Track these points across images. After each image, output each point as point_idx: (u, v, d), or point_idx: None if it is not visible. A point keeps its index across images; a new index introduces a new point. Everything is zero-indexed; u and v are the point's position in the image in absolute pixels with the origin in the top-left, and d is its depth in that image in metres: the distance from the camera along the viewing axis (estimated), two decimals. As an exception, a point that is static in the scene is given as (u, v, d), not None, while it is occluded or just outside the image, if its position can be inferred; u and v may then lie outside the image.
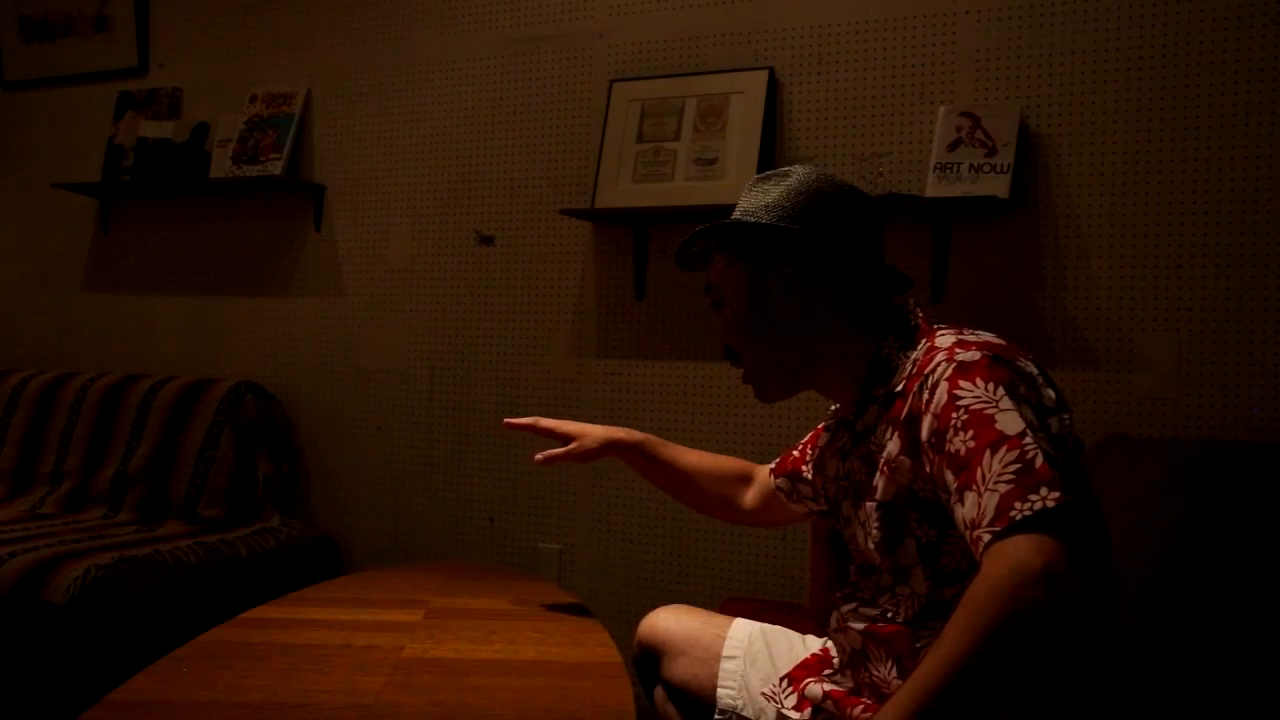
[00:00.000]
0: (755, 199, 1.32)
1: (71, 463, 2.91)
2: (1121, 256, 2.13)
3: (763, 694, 1.44)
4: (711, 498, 1.69)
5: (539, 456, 1.66)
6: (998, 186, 2.14)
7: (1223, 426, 2.04)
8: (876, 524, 1.23)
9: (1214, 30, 2.06)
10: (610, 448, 1.66)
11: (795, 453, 1.58)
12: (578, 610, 1.74)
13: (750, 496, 1.67)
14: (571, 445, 1.65)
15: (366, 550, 2.89)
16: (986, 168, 2.15)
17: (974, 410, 1.09)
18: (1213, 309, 2.06)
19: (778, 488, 1.59)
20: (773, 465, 1.62)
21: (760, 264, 1.30)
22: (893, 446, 1.20)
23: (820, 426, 1.53)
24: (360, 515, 2.91)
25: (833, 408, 1.45)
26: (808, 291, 1.29)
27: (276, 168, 2.90)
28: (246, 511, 2.80)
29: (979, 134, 2.18)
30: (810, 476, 1.51)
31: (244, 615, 1.62)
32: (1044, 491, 1.01)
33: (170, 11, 3.20)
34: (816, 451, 1.47)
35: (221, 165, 2.98)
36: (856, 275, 1.30)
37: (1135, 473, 1.76)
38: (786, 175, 1.32)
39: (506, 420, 1.71)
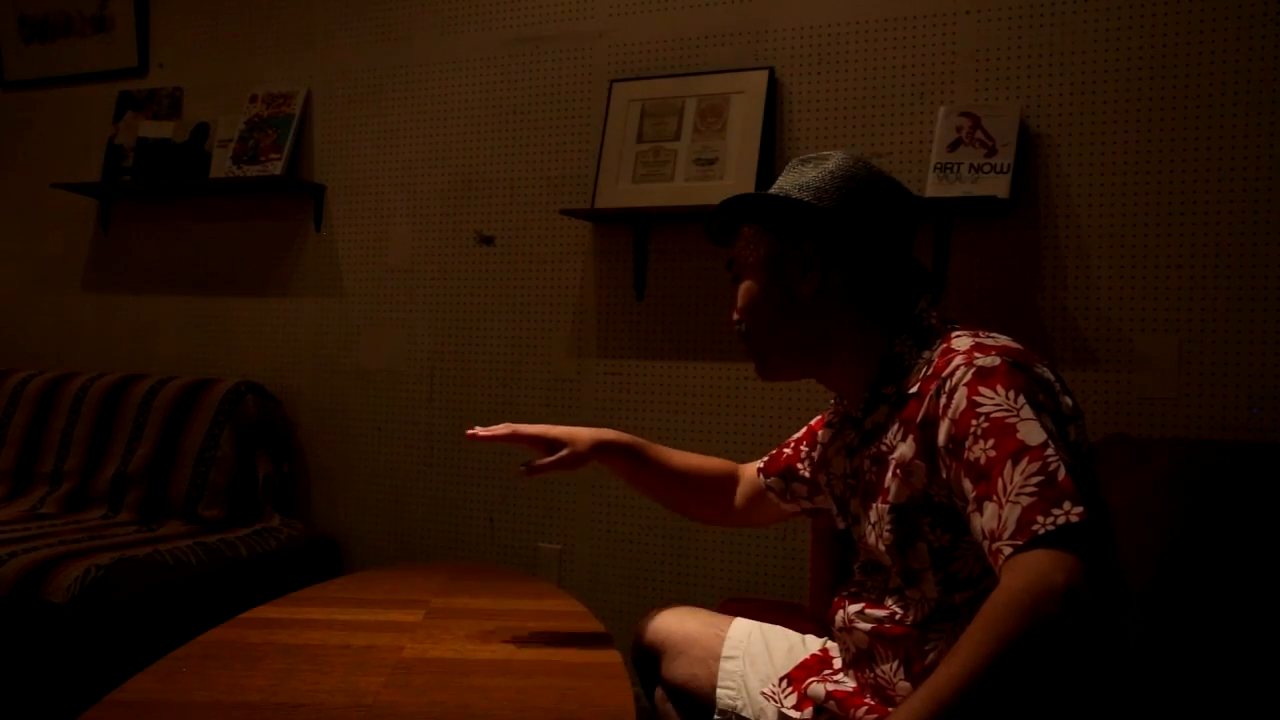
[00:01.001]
0: (791, 178, 1.33)
1: (71, 463, 2.91)
2: (1121, 256, 2.13)
3: (762, 694, 1.44)
4: (699, 499, 1.66)
5: (524, 468, 1.55)
6: (998, 186, 2.13)
7: (1223, 426, 2.04)
8: (889, 526, 1.22)
9: (1214, 30, 2.06)
10: (599, 450, 1.58)
11: (787, 450, 1.56)
12: (578, 610, 1.74)
13: (738, 497, 1.65)
14: (562, 453, 1.56)
15: (366, 550, 2.89)
16: (986, 168, 2.15)
17: (995, 418, 1.08)
18: (1213, 309, 2.06)
19: (768, 487, 1.57)
20: (761, 464, 1.60)
21: (785, 240, 1.31)
22: (906, 449, 1.19)
23: (816, 423, 1.53)
24: (360, 515, 2.91)
25: (833, 403, 1.45)
26: (826, 274, 1.29)
27: (276, 168, 2.90)
28: (246, 512, 2.80)
29: (979, 134, 2.18)
30: (809, 475, 1.50)
31: (244, 615, 1.62)
32: (1067, 506, 1.00)
33: (170, 11, 3.20)
34: (819, 449, 1.46)
35: (221, 165, 2.98)
36: (879, 267, 1.30)
37: (1135, 473, 1.76)
38: (826, 159, 1.32)
39: (473, 432, 1.54)
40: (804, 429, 1.56)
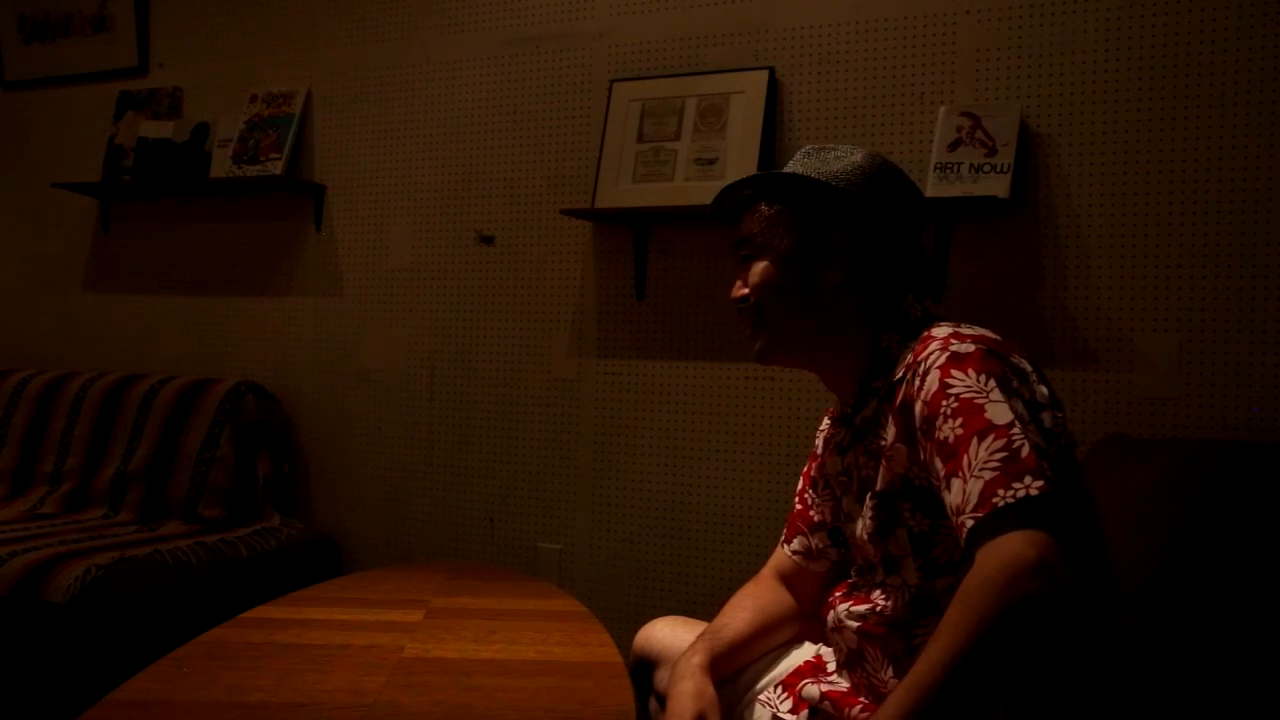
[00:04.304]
0: (815, 165, 1.32)
1: (72, 463, 2.91)
2: (1121, 256, 2.13)
3: (758, 700, 1.44)
4: (784, 628, 1.50)
5: None
6: (998, 186, 2.14)
7: (1223, 426, 2.04)
8: (871, 514, 1.23)
9: (1214, 30, 2.06)
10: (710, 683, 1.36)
11: (798, 506, 1.51)
12: (578, 610, 1.74)
13: (796, 593, 1.51)
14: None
15: (366, 550, 2.89)
16: (987, 168, 2.15)
17: (964, 399, 1.09)
18: (1213, 309, 2.06)
19: (794, 553, 1.49)
20: (783, 539, 1.53)
21: (814, 226, 1.30)
22: (891, 435, 1.21)
23: (808, 469, 1.51)
24: (360, 515, 2.91)
25: (825, 421, 1.45)
26: (851, 266, 1.29)
27: (277, 168, 2.90)
28: (247, 511, 2.80)
29: (979, 134, 2.18)
30: (819, 519, 1.46)
31: (244, 615, 1.62)
32: (1028, 480, 1.01)
33: (170, 11, 3.20)
34: (820, 478, 1.45)
35: (222, 165, 2.98)
36: (894, 262, 1.31)
37: (1135, 473, 1.76)
38: (852, 152, 1.32)
39: None
40: (802, 475, 1.52)
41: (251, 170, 2.93)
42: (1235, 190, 2.04)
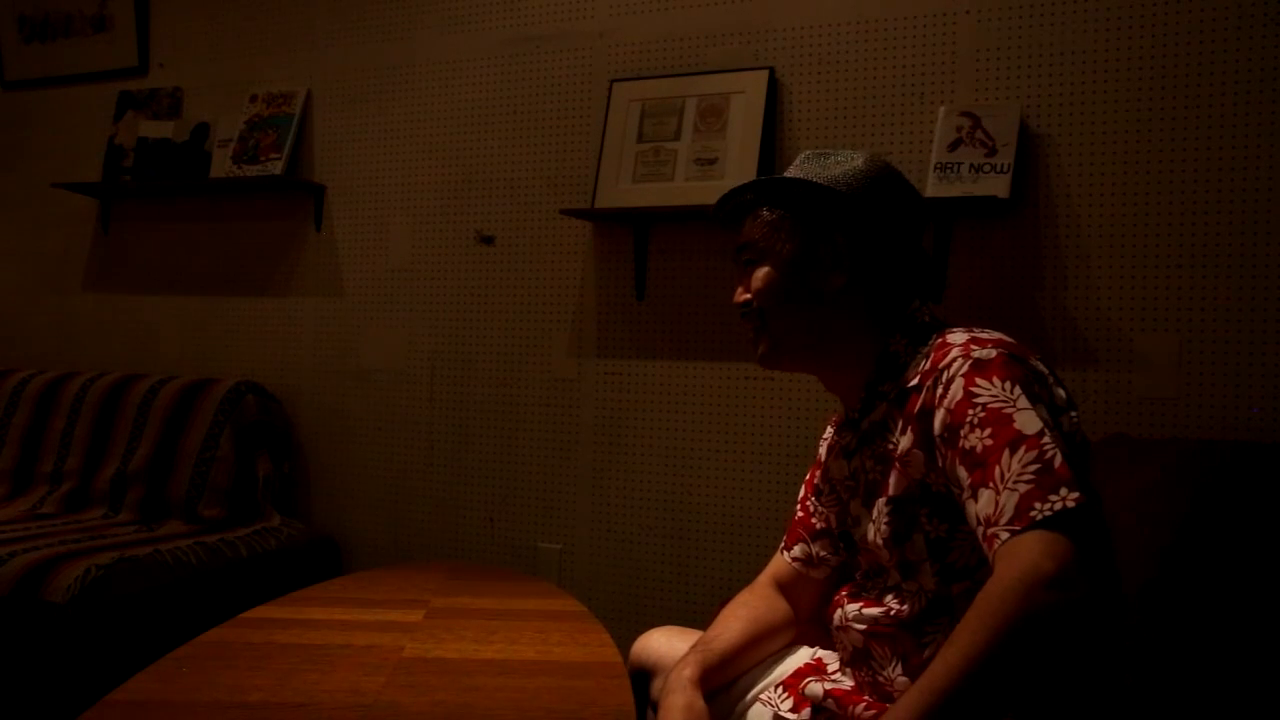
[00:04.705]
0: (817, 170, 1.32)
1: (72, 463, 2.91)
2: (1121, 256, 2.13)
3: (759, 700, 1.44)
4: (779, 635, 1.48)
5: None
6: (998, 186, 2.14)
7: (1223, 426, 2.04)
8: (886, 519, 1.23)
9: (1214, 30, 2.06)
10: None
11: (798, 513, 1.51)
12: (578, 610, 1.74)
13: (794, 599, 1.49)
14: None
15: (366, 550, 2.89)
16: (987, 168, 2.15)
17: (991, 408, 1.09)
18: (1213, 309, 2.06)
19: (794, 559, 1.48)
20: (783, 545, 1.52)
21: (816, 230, 1.30)
22: (906, 441, 1.20)
23: (811, 476, 1.50)
24: (360, 515, 2.91)
25: (829, 430, 1.45)
26: (854, 270, 1.29)
27: (277, 168, 2.90)
28: (247, 511, 2.80)
29: (979, 134, 2.18)
30: (822, 525, 1.45)
31: (244, 615, 1.62)
32: (1064, 491, 1.01)
33: (170, 11, 3.20)
34: (824, 484, 1.44)
35: (222, 165, 2.98)
36: (896, 266, 1.31)
37: (1135, 473, 1.76)
38: (852, 156, 1.32)
39: None
40: (804, 484, 1.51)
41: (251, 170, 2.93)
42: (1235, 190, 2.04)
